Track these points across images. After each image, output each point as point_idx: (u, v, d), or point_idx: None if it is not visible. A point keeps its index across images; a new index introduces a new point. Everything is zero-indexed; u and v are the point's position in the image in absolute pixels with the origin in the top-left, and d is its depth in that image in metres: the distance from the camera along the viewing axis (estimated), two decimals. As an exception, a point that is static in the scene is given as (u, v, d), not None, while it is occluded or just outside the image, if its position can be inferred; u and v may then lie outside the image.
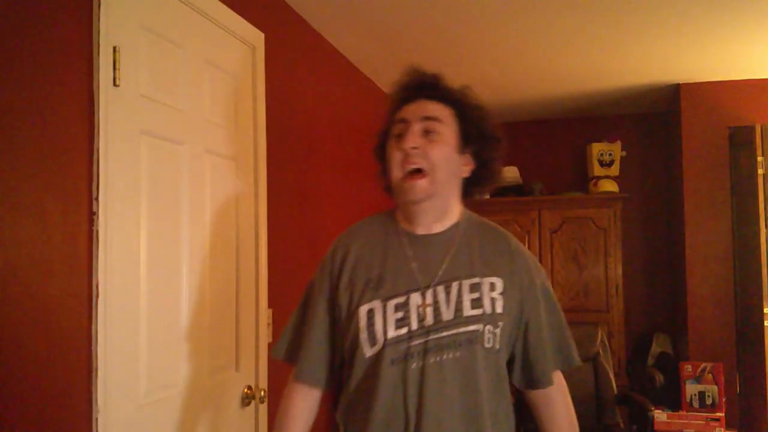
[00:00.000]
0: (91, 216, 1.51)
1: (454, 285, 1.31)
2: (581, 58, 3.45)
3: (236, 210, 2.18)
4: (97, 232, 1.51)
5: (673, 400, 3.58)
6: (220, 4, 2.08)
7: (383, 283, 1.32)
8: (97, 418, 1.49)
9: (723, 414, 3.33)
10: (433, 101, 1.37)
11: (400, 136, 1.34)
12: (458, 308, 1.29)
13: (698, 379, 3.47)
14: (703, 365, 3.50)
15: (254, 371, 2.24)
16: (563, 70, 3.67)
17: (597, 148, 4.52)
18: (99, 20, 1.53)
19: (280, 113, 2.52)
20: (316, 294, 1.44)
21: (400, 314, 1.29)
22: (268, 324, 2.34)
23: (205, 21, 2.01)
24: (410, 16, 2.80)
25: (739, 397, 3.79)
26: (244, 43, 2.23)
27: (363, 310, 1.31)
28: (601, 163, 4.52)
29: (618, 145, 4.55)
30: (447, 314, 1.28)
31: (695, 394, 3.45)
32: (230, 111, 2.15)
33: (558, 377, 1.45)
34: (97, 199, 1.52)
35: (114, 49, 1.57)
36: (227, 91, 2.14)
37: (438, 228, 1.38)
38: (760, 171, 3.67)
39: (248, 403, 2.18)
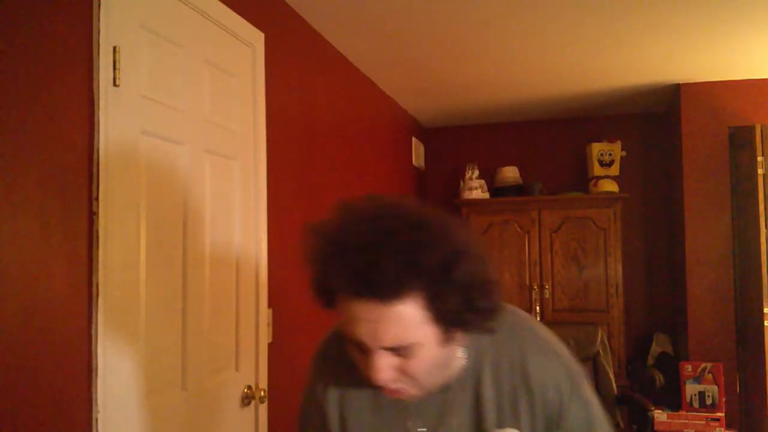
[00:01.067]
0: (91, 216, 1.51)
1: None
2: (581, 58, 3.45)
3: (236, 210, 2.18)
4: (97, 232, 1.51)
5: (673, 400, 3.58)
6: (220, 4, 2.08)
7: None
8: (97, 418, 1.49)
9: (723, 414, 3.33)
10: (389, 303, 0.88)
11: (360, 347, 0.96)
12: None
13: (698, 379, 3.47)
14: (703, 365, 3.50)
15: (254, 371, 2.24)
16: (563, 70, 3.67)
17: (597, 148, 4.52)
18: (99, 20, 1.53)
19: (280, 113, 2.52)
20: None
21: None
22: (268, 324, 2.34)
23: (205, 21, 2.01)
24: (410, 16, 2.80)
25: (739, 397, 3.79)
26: (244, 43, 2.23)
27: None
28: (601, 163, 4.52)
29: (618, 145, 4.55)
30: None
31: (695, 394, 3.46)
32: (230, 111, 2.15)
33: None
34: (97, 199, 1.52)
35: (114, 49, 1.58)
36: (227, 91, 2.14)
37: (439, 382, 1.04)
38: (760, 171, 3.67)
39: (248, 403, 2.18)
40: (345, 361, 1.06)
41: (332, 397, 1.12)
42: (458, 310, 0.91)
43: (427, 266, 0.87)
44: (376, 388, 1.00)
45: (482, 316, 0.96)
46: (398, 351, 0.93)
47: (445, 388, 1.05)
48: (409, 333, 0.91)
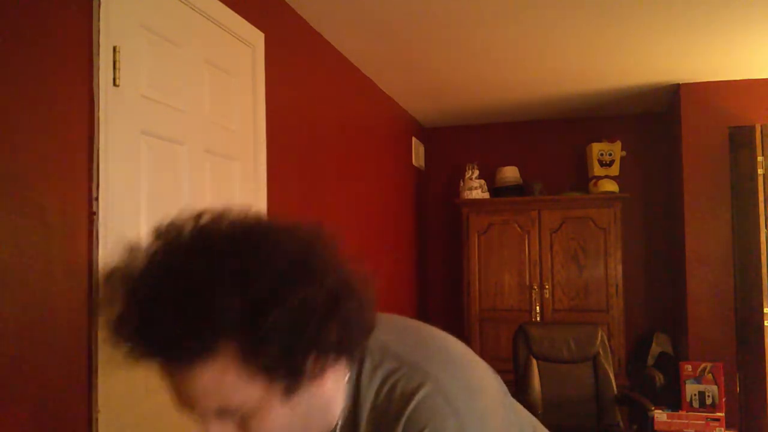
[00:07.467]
0: (91, 216, 1.51)
1: None
2: (581, 58, 3.45)
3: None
4: (97, 232, 1.51)
5: (673, 400, 3.58)
6: (220, 4, 2.08)
7: None
8: (97, 418, 1.49)
9: (723, 414, 3.33)
10: (189, 364, 0.71)
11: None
12: None
13: (698, 379, 3.47)
14: (703, 365, 3.50)
15: (254, 371, 2.24)
16: (563, 70, 3.67)
17: (597, 148, 4.53)
18: (99, 20, 1.53)
19: (280, 113, 2.52)
20: None
21: None
22: (268, 324, 2.34)
23: (205, 21, 2.01)
24: (410, 16, 2.80)
25: (739, 397, 3.78)
26: (244, 43, 2.23)
27: None
28: (601, 163, 4.52)
29: (618, 145, 4.55)
30: None
31: (695, 394, 3.46)
32: (230, 111, 2.15)
33: None
34: (97, 199, 1.52)
35: (114, 49, 1.58)
36: (227, 91, 2.14)
37: None
38: (760, 171, 3.67)
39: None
40: None
41: None
42: (291, 356, 0.71)
43: (226, 317, 0.68)
44: None
45: (337, 351, 0.75)
46: (231, 416, 0.75)
47: None
48: (230, 396, 0.72)
